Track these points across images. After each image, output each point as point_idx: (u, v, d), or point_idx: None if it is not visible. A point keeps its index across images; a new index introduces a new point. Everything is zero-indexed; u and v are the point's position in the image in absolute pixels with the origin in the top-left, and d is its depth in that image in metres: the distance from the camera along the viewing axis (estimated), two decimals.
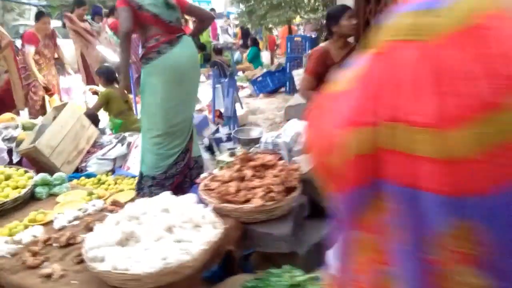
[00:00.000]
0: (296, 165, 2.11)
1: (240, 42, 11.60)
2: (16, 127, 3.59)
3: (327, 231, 2.20)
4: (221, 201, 1.83)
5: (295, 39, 6.40)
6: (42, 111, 4.99)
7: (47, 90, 5.13)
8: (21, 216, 2.02)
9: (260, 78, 6.63)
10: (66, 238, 1.71)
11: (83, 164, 3.46)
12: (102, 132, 3.84)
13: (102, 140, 3.74)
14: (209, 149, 3.87)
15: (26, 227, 1.85)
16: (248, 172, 1.97)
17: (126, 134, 3.81)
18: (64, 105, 3.60)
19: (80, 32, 5.97)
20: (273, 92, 6.79)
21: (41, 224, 1.88)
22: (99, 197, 2.16)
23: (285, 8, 7.37)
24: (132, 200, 2.09)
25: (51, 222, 1.91)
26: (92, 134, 3.65)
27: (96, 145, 3.65)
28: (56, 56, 5.44)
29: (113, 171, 3.41)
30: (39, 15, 5.29)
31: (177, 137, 2.73)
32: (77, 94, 5.48)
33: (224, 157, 2.43)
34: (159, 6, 2.51)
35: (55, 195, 2.24)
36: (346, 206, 0.64)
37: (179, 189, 2.84)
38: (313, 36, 6.64)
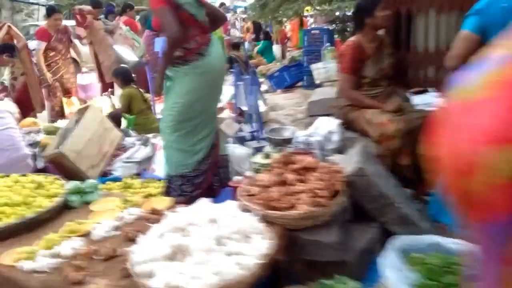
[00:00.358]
0: (338, 167, 2.02)
1: (252, 36, 11.47)
2: (38, 131, 3.54)
3: (371, 235, 2.11)
4: (265, 207, 1.75)
5: (312, 32, 6.27)
6: (61, 113, 4.95)
7: (66, 92, 5.09)
8: (55, 226, 1.96)
9: (277, 73, 6.51)
10: (107, 251, 1.64)
11: (108, 168, 3.40)
12: (126, 134, 3.78)
13: (125, 142, 3.67)
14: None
15: (63, 238, 1.79)
16: (290, 176, 1.88)
17: (150, 135, 3.75)
18: (86, 107, 3.54)
19: (94, 28, 5.91)
20: (290, 87, 6.67)
21: (78, 236, 1.82)
22: (135, 205, 2.09)
23: (299, 0, 7.20)
24: (171, 207, 2.02)
25: (88, 233, 1.85)
26: (115, 136, 3.58)
27: (120, 148, 3.59)
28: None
29: (138, 174, 3.35)
30: (50, 11, 5.23)
31: (200, 131, 2.65)
32: (94, 92, 5.43)
33: (259, 158, 2.34)
34: (194, 6, 2.43)
35: (88, 203, 2.18)
36: (491, 237, 0.54)
37: (209, 190, 2.79)
38: (330, 28, 6.49)
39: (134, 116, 4.04)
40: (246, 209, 1.76)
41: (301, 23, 13.19)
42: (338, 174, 1.93)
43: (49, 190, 2.17)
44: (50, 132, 3.57)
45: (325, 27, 6.49)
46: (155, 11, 2.39)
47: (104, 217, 1.96)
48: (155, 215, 1.94)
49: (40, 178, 2.30)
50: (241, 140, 3.89)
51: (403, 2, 2.98)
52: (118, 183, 3.16)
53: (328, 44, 6.04)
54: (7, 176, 2.36)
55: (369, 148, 2.51)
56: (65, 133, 3.42)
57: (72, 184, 2.20)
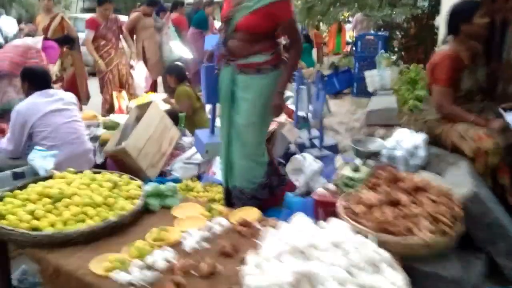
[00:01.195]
0: (449, 189, 1.81)
1: None
2: (98, 125, 3.45)
3: (479, 268, 1.90)
4: (377, 230, 1.56)
5: (367, 37, 6.04)
6: (111, 107, 4.88)
7: (120, 84, 5.01)
8: (138, 231, 1.82)
9: (325, 79, 6.30)
10: (207, 267, 1.49)
11: (167, 168, 3.28)
12: (182, 133, 3.66)
13: (183, 141, 3.55)
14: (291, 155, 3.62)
15: (153, 247, 1.65)
16: (403, 197, 1.69)
17: None
18: (147, 104, 3.43)
19: (144, 25, 5.84)
20: (337, 93, 6.46)
21: (168, 245, 1.67)
22: (219, 213, 1.94)
23: (350, 4, 6.98)
24: (261, 220, 1.85)
25: (177, 242, 1.70)
26: (173, 135, 3.46)
27: (178, 147, 3.46)
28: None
29: (198, 177, 3.21)
30: (101, 1, 5.16)
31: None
32: (142, 83, 5.33)
33: (347, 171, 2.16)
34: None
35: (166, 207, 2.04)
36: None
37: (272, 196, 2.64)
38: (385, 34, 6.25)
39: (185, 114, 3.91)
40: (354, 231, 1.58)
41: (339, 29, 12.97)
42: (453, 198, 1.73)
43: (128, 191, 2.03)
44: (108, 127, 3.48)
45: (381, 34, 6.24)
46: (290, 20, 2.28)
47: (191, 226, 1.81)
48: (247, 228, 1.78)
49: (115, 177, 2.17)
50: (301, 147, 3.72)
51: (499, 10, 2.75)
52: (179, 184, 3.03)
53: (382, 50, 5.81)
54: (80, 172, 2.25)
55: (464, 166, 2.29)
56: (126, 129, 3.32)
57: (152, 186, 2.06)
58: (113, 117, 3.73)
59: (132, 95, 5.03)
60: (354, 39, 12.67)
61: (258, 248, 1.51)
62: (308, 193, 2.97)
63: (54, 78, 4.40)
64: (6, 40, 11.15)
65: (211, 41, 5.65)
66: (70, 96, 3.00)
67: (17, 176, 2.43)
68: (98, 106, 5.07)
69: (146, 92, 5.09)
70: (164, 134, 3.36)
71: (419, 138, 2.59)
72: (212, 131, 2.84)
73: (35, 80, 2.92)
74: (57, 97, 2.86)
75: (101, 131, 3.38)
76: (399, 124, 4.36)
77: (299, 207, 2.50)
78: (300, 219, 1.68)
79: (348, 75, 6.34)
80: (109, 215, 1.83)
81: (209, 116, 3.57)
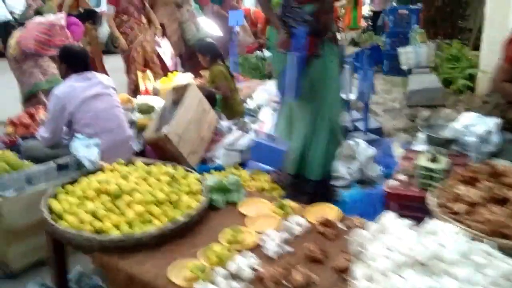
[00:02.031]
0: None
1: None
2: (133, 110, 3.26)
3: None
4: (490, 233, 1.38)
5: (399, 11, 5.70)
6: (136, 88, 4.66)
7: (145, 63, 4.76)
8: (205, 231, 1.66)
9: (353, 57, 6.01)
10: (301, 277, 1.32)
11: (207, 154, 3.10)
12: (219, 116, 3.46)
13: (220, 126, 3.36)
14: None
15: (231, 251, 1.48)
16: (510, 193, 1.50)
17: (246, 119, 3.42)
18: (184, 86, 3.22)
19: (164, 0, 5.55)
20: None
21: (247, 248, 1.51)
22: (292, 210, 1.76)
23: None
24: (343, 218, 1.68)
25: (255, 246, 1.54)
26: (211, 119, 3.27)
27: (217, 132, 3.27)
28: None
29: (241, 164, 3.03)
30: None
31: None
32: (169, 61, 5.09)
33: (424, 162, 1.96)
34: None
35: (231, 203, 1.87)
36: None
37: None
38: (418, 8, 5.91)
39: (221, 96, 3.70)
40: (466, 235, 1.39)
41: (356, 2, 12.48)
42: None
43: (189, 185, 1.86)
44: (143, 111, 3.29)
45: (415, 8, 5.90)
46: None
47: (265, 226, 1.64)
48: (330, 229, 1.61)
49: (170, 169, 1.99)
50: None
51: None
52: (222, 172, 2.86)
53: (416, 25, 5.50)
54: (131, 163, 2.08)
55: None
56: (163, 113, 3.13)
57: (214, 179, 1.89)
58: (146, 100, 3.53)
59: (157, 74, 4.80)
60: (371, 13, 12.27)
61: (349, 254, 1.34)
62: (362, 181, 2.80)
63: None
64: (13, 16, 10.88)
65: (236, 16, 5.39)
66: (107, 79, 2.80)
67: (61, 167, 2.27)
68: (119, 87, 4.84)
69: (172, 71, 4.86)
70: (203, 118, 3.17)
71: (491, 123, 2.39)
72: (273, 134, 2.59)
73: (74, 61, 2.71)
74: (96, 80, 2.66)
75: (137, 116, 3.19)
76: (443, 105, 4.14)
77: (363, 199, 2.33)
78: (391, 219, 1.51)
79: (377, 52, 6.03)
80: (176, 214, 1.66)
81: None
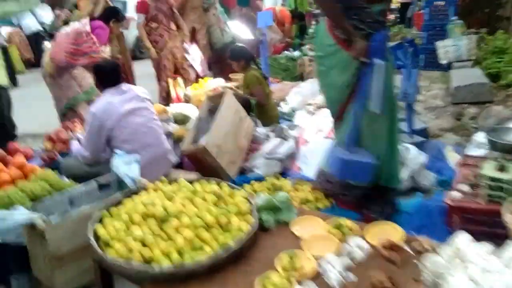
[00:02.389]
0: None
1: None
2: (168, 120, 3.19)
3: None
4: None
5: (436, 3, 5.43)
6: (168, 95, 4.62)
7: (175, 70, 4.72)
8: (260, 257, 1.55)
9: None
10: None
11: (246, 164, 3.00)
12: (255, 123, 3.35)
13: (257, 133, 3.24)
14: None
15: (288, 279, 1.37)
16: None
17: (283, 125, 3.29)
18: (219, 94, 3.13)
19: (193, 3, 5.48)
20: (400, 67, 5.92)
21: (307, 277, 1.39)
22: (350, 230, 1.63)
23: None
24: (409, 240, 1.53)
25: (315, 273, 1.42)
26: (248, 127, 3.16)
27: (254, 140, 3.17)
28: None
29: (282, 173, 2.92)
30: None
31: None
32: (199, 67, 5.02)
33: (491, 171, 1.79)
34: None
35: (281, 222, 1.76)
36: None
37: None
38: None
39: (255, 102, 3.58)
40: None
41: None
42: None
43: (236, 205, 1.76)
44: (179, 121, 3.22)
45: None
46: None
47: (323, 250, 1.52)
48: (397, 253, 1.47)
49: (215, 186, 1.90)
50: None
51: None
52: (263, 183, 2.75)
53: (455, 17, 5.21)
54: (174, 181, 2.00)
55: None
56: (200, 123, 3.05)
57: (262, 198, 1.78)
58: (181, 108, 3.46)
59: (188, 81, 4.74)
60: (399, 5, 11.83)
61: (423, 284, 1.20)
62: (414, 189, 2.62)
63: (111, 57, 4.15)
64: (43, 27, 11.15)
65: (265, 17, 5.26)
66: (143, 91, 2.73)
67: (102, 187, 2.23)
68: (149, 95, 4.81)
69: (202, 77, 4.79)
70: (240, 126, 3.07)
71: None
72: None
73: (106, 77, 2.66)
74: (132, 93, 2.60)
75: (173, 127, 3.13)
76: (490, 101, 3.88)
77: (420, 211, 2.17)
78: (466, 242, 1.35)
79: (413, 47, 5.77)
80: (227, 238, 1.56)
81: None
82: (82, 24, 3.80)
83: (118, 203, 1.86)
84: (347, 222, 1.67)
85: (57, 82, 3.64)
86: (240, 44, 4.12)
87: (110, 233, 1.61)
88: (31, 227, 1.83)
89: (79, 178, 2.54)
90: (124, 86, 2.63)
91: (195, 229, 1.58)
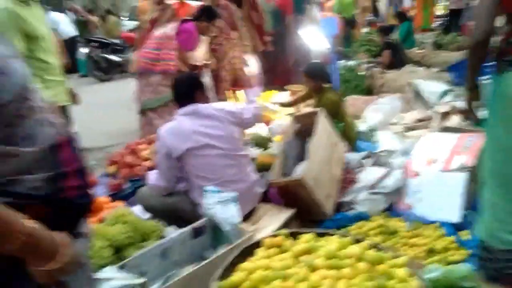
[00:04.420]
0: None
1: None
2: (247, 143, 2.77)
3: None
4: None
5: None
6: None
7: (234, 82, 4.31)
8: None
9: (460, 64, 5.23)
10: None
11: (343, 198, 2.53)
12: None
13: (348, 159, 2.78)
14: None
15: None
16: None
17: (382, 152, 2.81)
18: (309, 115, 2.68)
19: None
20: None
21: None
22: None
23: None
24: None
25: None
26: (341, 154, 2.71)
27: (347, 169, 2.70)
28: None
29: (387, 210, 2.44)
30: None
31: None
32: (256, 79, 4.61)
33: None
34: None
35: None
36: None
37: None
38: None
39: (343, 124, 3.11)
40: None
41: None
42: None
43: (402, 279, 1.29)
44: (259, 144, 2.79)
45: None
46: None
47: None
48: None
49: (359, 248, 1.44)
50: None
51: None
52: (370, 224, 2.28)
53: None
54: (298, 234, 1.55)
55: None
56: (287, 149, 2.60)
57: (438, 271, 1.31)
58: (255, 129, 3.04)
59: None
60: (448, 11, 11.16)
61: None
62: None
63: (199, 64, 3.76)
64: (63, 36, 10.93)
65: (329, 24, 4.79)
66: (226, 111, 2.29)
67: (197, 233, 1.81)
68: None
69: (264, 90, 4.36)
70: (334, 152, 2.61)
71: None
72: None
73: (179, 91, 2.27)
74: (210, 115, 2.18)
75: (253, 152, 2.70)
76: None
77: None
78: None
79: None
80: None
81: None
82: (170, 28, 3.51)
83: (231, 267, 1.42)
84: None
85: (138, 80, 3.39)
86: (317, 61, 3.66)
87: None
88: None
89: (155, 212, 2.19)
90: (201, 106, 2.21)
91: None
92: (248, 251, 1.52)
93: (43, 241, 0.77)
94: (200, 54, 3.81)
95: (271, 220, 2.20)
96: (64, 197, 0.84)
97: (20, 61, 0.84)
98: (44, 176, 0.81)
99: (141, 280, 1.38)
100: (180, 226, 1.92)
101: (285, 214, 2.26)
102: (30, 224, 0.75)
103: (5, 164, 0.77)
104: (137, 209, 2.23)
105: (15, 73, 0.79)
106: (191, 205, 2.19)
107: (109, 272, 1.43)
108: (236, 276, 1.32)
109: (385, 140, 3.31)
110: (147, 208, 2.21)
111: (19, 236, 0.73)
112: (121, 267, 1.51)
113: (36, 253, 0.77)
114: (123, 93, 5.92)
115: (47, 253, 0.78)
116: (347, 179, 2.63)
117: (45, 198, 0.81)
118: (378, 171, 2.57)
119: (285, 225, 2.19)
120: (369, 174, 2.58)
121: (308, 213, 2.40)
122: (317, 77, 3.22)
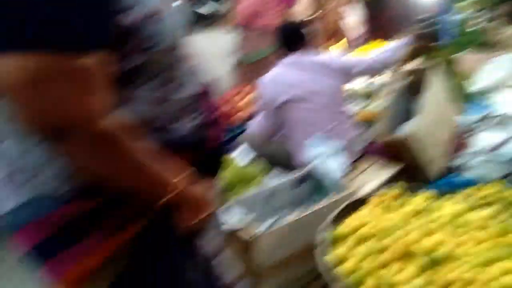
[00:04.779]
0: None
1: None
2: (351, 97, 2.65)
3: None
4: None
5: None
6: None
7: (329, 35, 4.12)
8: None
9: None
10: None
11: (451, 164, 2.34)
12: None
13: (460, 122, 2.53)
14: None
15: None
16: None
17: (499, 115, 2.52)
18: (419, 71, 2.46)
19: None
20: None
21: None
22: None
23: None
24: None
25: None
26: (452, 114, 2.47)
27: (457, 133, 2.47)
28: None
29: (504, 177, 2.20)
30: None
31: None
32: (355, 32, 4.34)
33: None
34: None
35: None
36: None
37: None
38: None
39: (455, 83, 2.82)
40: None
41: None
42: None
43: None
44: (359, 95, 2.65)
45: None
46: None
47: None
48: None
49: (483, 214, 1.32)
50: None
51: None
52: (483, 193, 2.08)
53: None
54: (400, 196, 1.46)
55: None
56: (395, 105, 2.44)
57: None
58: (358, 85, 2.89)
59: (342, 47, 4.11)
60: None
61: None
62: None
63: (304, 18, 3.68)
64: None
65: None
66: (331, 60, 2.20)
67: (299, 183, 1.81)
68: None
69: (364, 42, 4.10)
70: (444, 114, 2.40)
71: None
72: None
73: (282, 41, 2.22)
74: (312, 67, 2.10)
75: (353, 108, 2.58)
76: None
77: None
78: None
79: None
80: None
81: None
82: None
83: (339, 218, 1.40)
84: None
85: (237, 34, 3.45)
86: (425, 15, 3.29)
87: (356, 270, 1.15)
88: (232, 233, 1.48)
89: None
90: (304, 56, 2.13)
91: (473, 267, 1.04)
92: (352, 206, 1.48)
93: (195, 192, 0.78)
94: (301, 9, 3.67)
95: (372, 177, 2.12)
96: (208, 147, 0.85)
97: (174, 8, 0.84)
98: (191, 124, 0.80)
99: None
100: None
101: (388, 171, 2.16)
102: (185, 173, 0.76)
103: (161, 108, 0.76)
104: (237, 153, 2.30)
105: (171, 20, 0.79)
106: (288, 155, 2.20)
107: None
108: (354, 221, 1.30)
109: (503, 103, 2.95)
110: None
111: (176, 187, 0.73)
112: (228, 207, 1.57)
113: (190, 205, 0.78)
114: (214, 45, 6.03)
115: (197, 205, 0.79)
116: (457, 143, 2.41)
117: (192, 147, 0.81)
118: (494, 137, 2.30)
119: (386, 183, 2.11)
120: (482, 139, 2.33)
121: (409, 176, 2.27)
122: (425, 34, 2.94)
